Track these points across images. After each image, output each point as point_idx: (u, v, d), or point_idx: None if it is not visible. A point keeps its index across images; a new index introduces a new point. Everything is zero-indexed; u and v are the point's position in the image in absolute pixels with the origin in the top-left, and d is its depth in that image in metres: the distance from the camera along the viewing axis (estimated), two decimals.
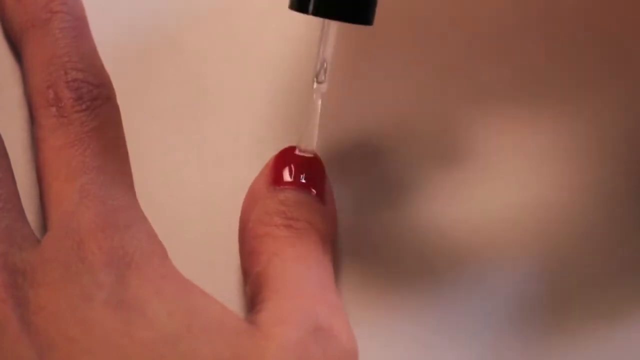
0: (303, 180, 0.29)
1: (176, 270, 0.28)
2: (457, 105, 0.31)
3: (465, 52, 0.32)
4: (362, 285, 0.30)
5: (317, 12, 0.26)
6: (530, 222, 0.31)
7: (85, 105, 0.29)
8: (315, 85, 0.28)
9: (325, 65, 0.28)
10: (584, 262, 0.31)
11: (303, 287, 0.28)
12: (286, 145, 0.30)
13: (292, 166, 0.30)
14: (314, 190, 0.30)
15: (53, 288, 0.26)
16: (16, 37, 0.30)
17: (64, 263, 0.26)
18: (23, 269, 0.27)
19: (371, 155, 0.31)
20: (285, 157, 0.30)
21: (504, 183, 0.31)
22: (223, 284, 0.30)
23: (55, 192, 0.28)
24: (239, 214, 0.30)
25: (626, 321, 0.30)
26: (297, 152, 0.29)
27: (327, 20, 0.28)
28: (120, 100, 0.30)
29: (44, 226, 0.28)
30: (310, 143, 0.29)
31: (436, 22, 0.32)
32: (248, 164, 0.31)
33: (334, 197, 0.31)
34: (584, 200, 0.31)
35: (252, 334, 0.26)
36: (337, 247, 0.31)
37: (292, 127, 0.31)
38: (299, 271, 0.28)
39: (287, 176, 0.29)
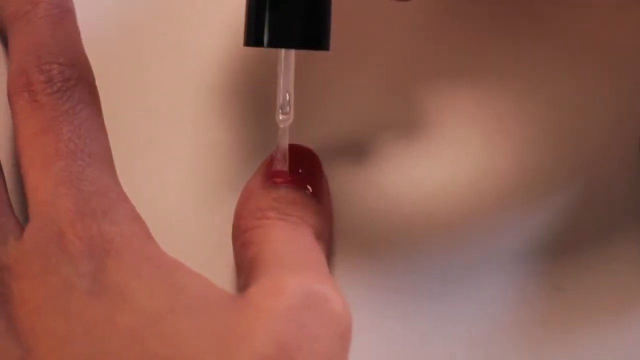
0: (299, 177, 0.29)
1: (159, 249, 0.27)
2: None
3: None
4: (357, 281, 0.30)
5: (272, 44, 0.26)
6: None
7: (56, 87, 0.28)
8: (280, 117, 0.28)
9: (288, 97, 0.28)
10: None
11: (293, 262, 0.27)
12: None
13: (289, 163, 0.29)
14: (310, 188, 0.29)
15: (35, 281, 0.26)
16: (4, 31, 0.30)
17: (44, 255, 0.26)
18: (7, 264, 0.27)
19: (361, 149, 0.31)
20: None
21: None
22: (219, 282, 0.29)
23: (31, 181, 0.28)
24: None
25: (625, 315, 0.30)
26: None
27: (284, 51, 0.28)
28: (119, 98, 0.30)
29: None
30: (283, 166, 0.29)
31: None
32: (245, 163, 0.31)
33: (331, 194, 0.30)
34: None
35: (240, 307, 0.25)
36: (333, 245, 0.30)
37: (294, 123, 0.30)
38: (290, 250, 0.28)
39: (283, 173, 0.29)
